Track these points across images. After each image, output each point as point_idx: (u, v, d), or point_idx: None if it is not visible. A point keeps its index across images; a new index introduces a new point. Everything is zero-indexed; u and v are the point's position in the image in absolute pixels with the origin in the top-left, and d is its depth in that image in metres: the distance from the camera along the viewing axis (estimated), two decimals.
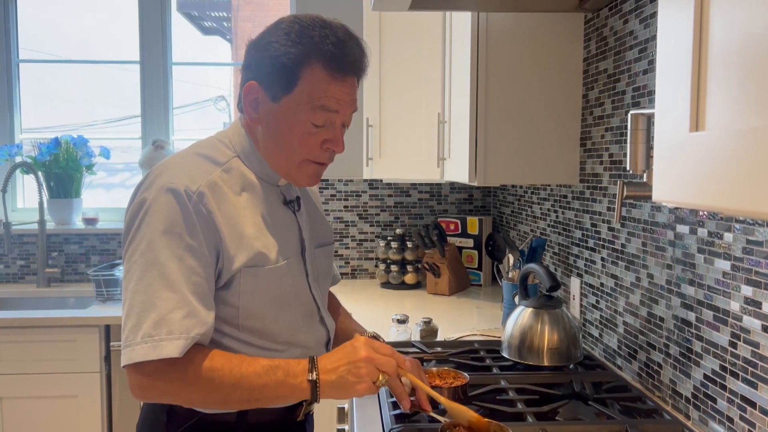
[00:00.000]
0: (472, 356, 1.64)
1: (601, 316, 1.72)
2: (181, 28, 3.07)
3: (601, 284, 1.71)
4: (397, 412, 1.27)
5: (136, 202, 1.08)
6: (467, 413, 1.12)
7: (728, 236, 1.17)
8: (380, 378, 1.07)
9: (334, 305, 1.44)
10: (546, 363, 1.52)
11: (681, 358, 1.33)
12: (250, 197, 1.13)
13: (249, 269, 1.10)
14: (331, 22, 1.12)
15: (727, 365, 1.18)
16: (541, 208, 2.22)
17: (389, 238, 2.79)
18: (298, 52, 1.08)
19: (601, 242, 1.71)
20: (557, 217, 2.05)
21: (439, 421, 1.16)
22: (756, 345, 1.10)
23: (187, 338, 1.02)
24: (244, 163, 1.16)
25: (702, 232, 1.25)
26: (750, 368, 1.11)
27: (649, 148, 1.09)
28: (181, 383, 1.03)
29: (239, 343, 1.12)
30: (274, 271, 1.12)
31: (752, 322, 1.10)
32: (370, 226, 2.94)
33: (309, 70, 1.08)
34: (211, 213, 1.06)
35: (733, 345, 1.16)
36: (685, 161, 0.61)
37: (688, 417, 1.30)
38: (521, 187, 2.48)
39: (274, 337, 1.14)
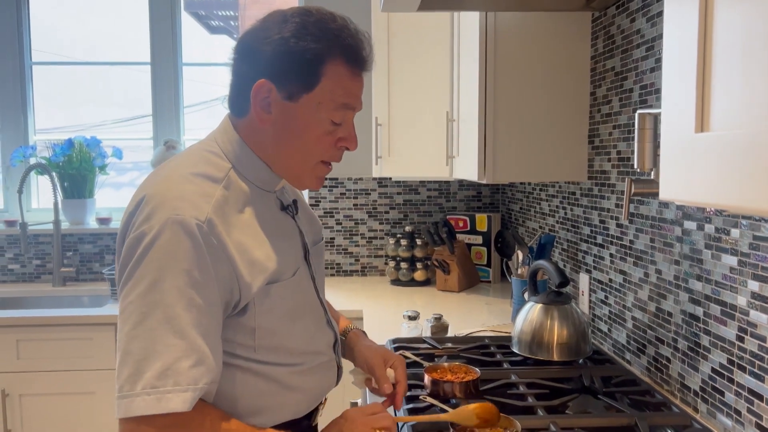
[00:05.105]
0: (482, 351, 1.67)
1: (609, 311, 1.74)
2: (188, 27, 3.10)
3: (610, 280, 1.73)
4: (410, 406, 1.30)
5: (134, 236, 0.96)
6: (470, 410, 1.14)
7: (735, 232, 1.19)
8: None
9: None
10: (556, 358, 1.54)
11: (689, 353, 1.35)
12: (252, 212, 1.05)
13: (262, 287, 1.03)
14: (336, 13, 1.06)
15: (734, 359, 1.20)
16: (549, 205, 2.24)
17: (399, 235, 2.82)
18: (321, 48, 1.01)
19: (610, 238, 1.73)
20: (566, 213, 2.07)
21: (446, 412, 1.18)
22: (763, 339, 1.12)
23: (195, 390, 0.93)
24: (240, 172, 1.07)
25: (709, 228, 1.27)
26: (757, 362, 1.13)
27: (656, 147, 1.11)
28: None
29: (256, 363, 1.05)
30: (287, 285, 1.07)
31: (759, 317, 1.12)
32: (380, 223, 2.97)
33: (332, 67, 1.02)
34: (222, 243, 0.98)
35: (741, 339, 1.18)
36: (690, 161, 0.63)
37: (696, 410, 1.32)
38: (529, 184, 2.50)
39: (291, 350, 1.09)
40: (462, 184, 2.99)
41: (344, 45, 1.03)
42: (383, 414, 1.09)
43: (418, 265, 2.76)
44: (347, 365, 1.26)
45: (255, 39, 1.04)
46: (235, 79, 1.08)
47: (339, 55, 1.03)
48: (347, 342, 1.32)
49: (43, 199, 3.10)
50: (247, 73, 1.04)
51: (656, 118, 1.10)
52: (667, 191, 0.68)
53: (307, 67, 1.02)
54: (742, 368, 1.17)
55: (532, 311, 1.60)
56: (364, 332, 1.36)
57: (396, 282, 2.79)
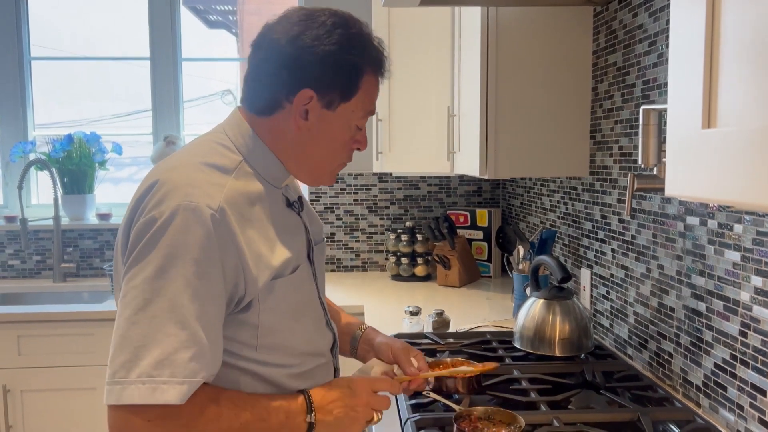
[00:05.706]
0: (484, 347, 1.67)
1: (611, 306, 1.74)
2: (186, 21, 3.09)
3: (612, 275, 1.73)
4: (414, 401, 1.30)
5: (144, 220, 0.95)
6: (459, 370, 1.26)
7: (738, 227, 1.19)
8: (375, 418, 1.09)
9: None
10: (557, 353, 1.55)
11: (691, 348, 1.35)
12: (261, 206, 1.05)
13: (266, 283, 1.02)
14: (359, 19, 1.09)
15: (737, 354, 1.20)
16: (550, 200, 2.24)
17: (399, 230, 2.82)
18: (362, 62, 1.06)
19: (612, 234, 1.73)
20: (567, 209, 2.07)
21: (453, 410, 1.19)
22: (766, 334, 1.12)
23: (191, 383, 0.91)
24: (251, 165, 1.07)
25: (712, 223, 1.27)
26: (760, 357, 1.13)
27: (661, 142, 1.11)
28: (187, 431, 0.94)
29: (256, 364, 1.04)
30: (289, 281, 1.06)
31: (762, 312, 1.13)
32: (380, 219, 2.97)
33: (366, 78, 1.07)
34: (232, 233, 0.97)
35: (743, 334, 1.18)
36: (697, 157, 0.63)
37: (698, 405, 1.32)
38: (530, 179, 2.49)
39: (291, 350, 1.08)
40: (462, 179, 2.98)
41: (375, 56, 1.08)
42: (386, 397, 1.10)
43: (419, 260, 2.77)
44: (346, 368, 1.26)
45: (291, 44, 1.03)
46: (257, 77, 1.08)
47: (371, 66, 1.08)
48: (365, 336, 1.32)
49: (43, 194, 3.10)
50: (279, 77, 1.05)
51: (661, 114, 1.10)
52: (672, 187, 0.68)
53: (350, 79, 1.05)
54: (745, 363, 1.17)
55: (533, 306, 1.60)
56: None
57: (397, 277, 2.79)
